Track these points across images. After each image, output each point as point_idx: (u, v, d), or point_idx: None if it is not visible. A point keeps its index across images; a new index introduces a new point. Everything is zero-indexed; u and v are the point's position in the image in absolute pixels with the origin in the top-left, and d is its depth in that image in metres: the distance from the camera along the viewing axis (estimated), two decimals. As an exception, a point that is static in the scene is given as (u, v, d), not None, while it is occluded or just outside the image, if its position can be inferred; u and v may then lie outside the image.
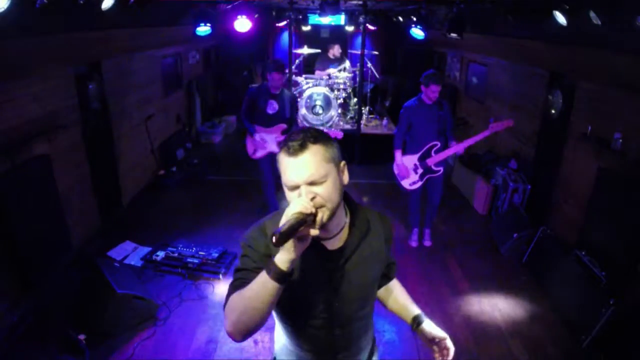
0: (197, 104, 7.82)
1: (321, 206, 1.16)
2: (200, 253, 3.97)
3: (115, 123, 4.71)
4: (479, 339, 3.25)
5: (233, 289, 1.24)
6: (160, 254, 3.97)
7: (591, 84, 3.80)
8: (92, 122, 4.16)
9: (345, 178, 1.27)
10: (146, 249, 4.12)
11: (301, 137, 1.17)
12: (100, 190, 4.42)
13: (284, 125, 4.41)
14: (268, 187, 4.69)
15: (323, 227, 1.18)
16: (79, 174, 4.07)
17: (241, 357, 3.00)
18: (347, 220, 1.34)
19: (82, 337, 2.88)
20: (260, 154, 4.50)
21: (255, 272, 1.19)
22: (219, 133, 7.95)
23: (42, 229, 3.36)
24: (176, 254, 3.95)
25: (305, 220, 1.08)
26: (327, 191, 1.17)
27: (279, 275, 1.09)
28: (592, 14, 2.59)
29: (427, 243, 4.51)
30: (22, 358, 2.69)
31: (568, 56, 3.80)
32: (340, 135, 4.61)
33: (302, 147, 1.15)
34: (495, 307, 3.60)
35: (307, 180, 1.15)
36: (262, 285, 1.11)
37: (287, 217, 1.07)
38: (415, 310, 1.55)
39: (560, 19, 2.97)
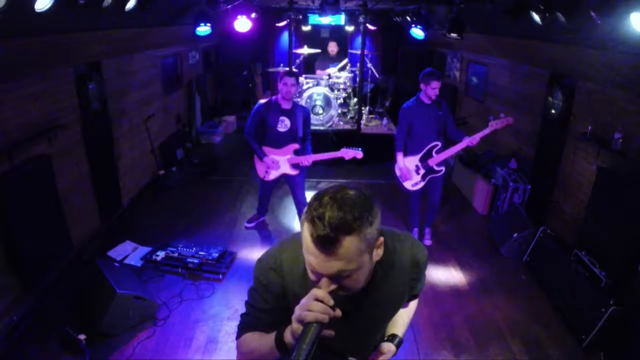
0: (197, 104, 7.82)
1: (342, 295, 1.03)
2: (200, 253, 3.97)
3: (115, 123, 4.71)
4: (479, 339, 3.25)
5: (245, 325, 1.23)
6: (160, 254, 3.97)
7: (591, 84, 3.80)
8: (92, 122, 4.16)
9: (380, 252, 1.06)
10: (146, 249, 4.12)
11: (335, 224, 0.92)
12: (100, 190, 4.41)
13: (297, 145, 4.06)
14: (263, 202, 4.63)
15: None
16: (79, 174, 4.07)
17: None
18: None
19: (82, 337, 2.89)
20: (273, 176, 4.18)
21: (267, 312, 1.17)
22: (219, 133, 7.95)
23: (42, 229, 3.36)
24: (176, 254, 3.95)
25: (322, 326, 0.95)
26: (353, 283, 1.02)
27: (286, 352, 1.05)
28: (592, 14, 2.59)
29: (427, 242, 4.51)
30: (22, 358, 2.69)
31: (568, 56, 3.80)
32: (360, 155, 3.97)
33: (334, 243, 0.93)
34: (495, 307, 3.60)
35: (333, 275, 0.98)
36: (270, 352, 1.09)
37: (301, 319, 0.96)
38: (398, 331, 1.44)
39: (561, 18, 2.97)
